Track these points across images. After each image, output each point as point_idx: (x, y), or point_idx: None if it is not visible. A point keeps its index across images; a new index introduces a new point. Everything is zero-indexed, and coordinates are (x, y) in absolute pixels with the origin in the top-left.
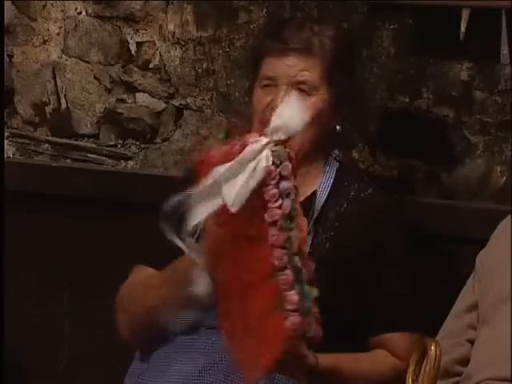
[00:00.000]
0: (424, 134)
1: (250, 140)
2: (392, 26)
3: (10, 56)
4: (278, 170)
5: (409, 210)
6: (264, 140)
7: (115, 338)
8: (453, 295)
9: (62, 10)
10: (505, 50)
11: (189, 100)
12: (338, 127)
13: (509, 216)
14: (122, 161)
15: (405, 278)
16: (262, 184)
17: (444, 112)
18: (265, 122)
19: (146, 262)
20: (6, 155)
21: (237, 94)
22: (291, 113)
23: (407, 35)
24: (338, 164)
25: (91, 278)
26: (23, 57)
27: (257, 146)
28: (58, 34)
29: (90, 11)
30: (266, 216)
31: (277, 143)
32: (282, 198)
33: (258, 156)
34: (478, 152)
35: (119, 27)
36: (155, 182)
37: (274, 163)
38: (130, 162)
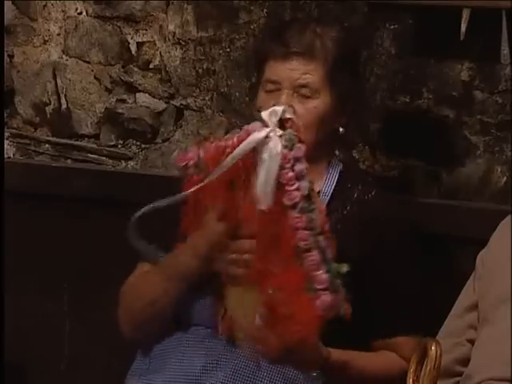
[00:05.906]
0: (424, 134)
1: (252, 128)
2: (392, 26)
3: (11, 56)
4: (292, 152)
5: (409, 210)
6: (268, 128)
7: (116, 338)
8: (453, 295)
9: (63, 11)
10: (505, 49)
11: (189, 100)
12: (341, 129)
13: (509, 216)
14: (123, 161)
15: (408, 279)
16: (278, 168)
17: (444, 112)
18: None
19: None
20: (6, 156)
21: (237, 94)
22: None
23: (407, 35)
24: (341, 165)
25: (91, 278)
26: (24, 57)
27: (261, 134)
28: (59, 35)
29: (90, 11)
30: (285, 199)
31: (283, 127)
32: (299, 180)
33: (265, 145)
34: (479, 152)
35: (119, 27)
36: (155, 182)
37: (286, 147)
38: (131, 162)
